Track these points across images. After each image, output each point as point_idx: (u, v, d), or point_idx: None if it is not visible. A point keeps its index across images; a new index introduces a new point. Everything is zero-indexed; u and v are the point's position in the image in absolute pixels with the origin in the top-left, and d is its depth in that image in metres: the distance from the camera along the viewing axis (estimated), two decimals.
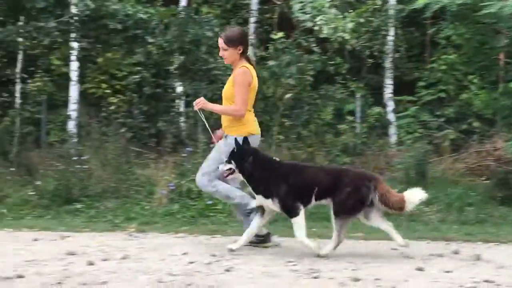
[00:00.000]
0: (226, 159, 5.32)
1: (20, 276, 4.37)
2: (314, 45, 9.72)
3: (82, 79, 12.19)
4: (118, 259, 5.04)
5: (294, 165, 5.60)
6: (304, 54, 9.51)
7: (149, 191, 8.15)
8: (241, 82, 5.47)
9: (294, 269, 4.77)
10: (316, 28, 8.57)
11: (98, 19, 9.19)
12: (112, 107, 11.43)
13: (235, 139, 5.37)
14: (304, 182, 5.23)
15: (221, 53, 5.64)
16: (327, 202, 5.22)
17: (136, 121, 10.47)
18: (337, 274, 4.60)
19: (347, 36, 8.19)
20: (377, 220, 5.24)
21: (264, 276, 4.57)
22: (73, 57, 11.00)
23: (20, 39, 9.34)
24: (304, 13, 8.51)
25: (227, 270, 4.71)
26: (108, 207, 7.72)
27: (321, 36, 8.67)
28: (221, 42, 5.57)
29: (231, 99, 5.50)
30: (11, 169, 8.71)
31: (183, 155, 8.84)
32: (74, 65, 11.78)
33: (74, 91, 12.00)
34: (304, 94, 9.60)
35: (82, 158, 8.55)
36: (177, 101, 11.09)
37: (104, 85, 12.18)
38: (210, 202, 7.66)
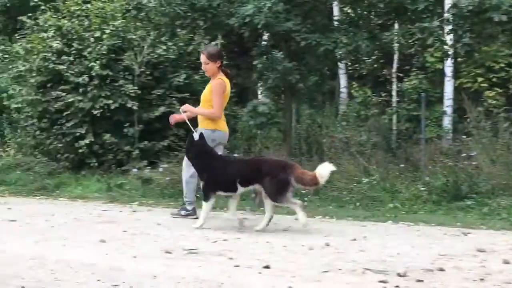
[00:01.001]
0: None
1: (441, 269, 4.60)
2: None
3: (457, 74, 12.23)
4: None
5: (224, 159, 6.80)
6: None
7: None
8: (218, 91, 7.00)
9: None
10: None
11: (481, 13, 9.06)
12: (491, 101, 11.21)
13: (191, 135, 6.84)
14: (227, 173, 6.50)
15: (203, 67, 7.13)
16: (259, 188, 6.43)
17: None
18: None
19: None
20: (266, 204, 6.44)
21: None
22: (450, 53, 11.05)
23: (403, 42, 9.76)
24: None
25: None
26: (500, 205, 7.57)
27: None
28: (203, 57, 7.06)
29: (208, 102, 7.03)
30: (401, 165, 9.16)
31: None
32: (449, 61, 11.87)
33: (449, 86, 12.12)
34: None
35: (471, 154, 8.56)
36: None
37: (480, 79, 12.00)
38: None
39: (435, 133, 11.54)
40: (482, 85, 11.89)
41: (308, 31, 9.91)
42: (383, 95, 12.89)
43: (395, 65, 13.29)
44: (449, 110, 11.90)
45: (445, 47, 10.33)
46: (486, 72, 11.92)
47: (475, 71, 12.02)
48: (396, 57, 13.18)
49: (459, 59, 11.96)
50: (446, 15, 9.74)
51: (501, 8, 8.88)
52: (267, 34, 11.01)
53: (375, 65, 13.12)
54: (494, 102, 11.24)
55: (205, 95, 7.16)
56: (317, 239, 5.89)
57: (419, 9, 9.49)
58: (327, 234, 6.26)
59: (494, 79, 11.83)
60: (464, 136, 9.60)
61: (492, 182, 8.00)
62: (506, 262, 4.81)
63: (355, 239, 5.91)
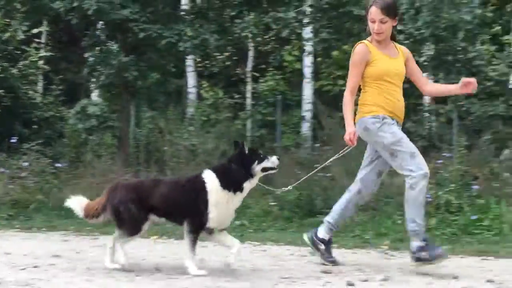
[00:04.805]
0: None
1: None
2: None
3: (316, 76, 12.77)
4: (378, 281, 5.23)
5: None
6: None
7: (400, 203, 8.23)
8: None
9: None
10: None
11: (340, 6, 9.55)
12: None
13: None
14: None
15: (377, 27, 5.55)
16: None
17: None
18: None
19: None
20: None
21: None
22: (309, 50, 11.51)
23: (256, 31, 10.02)
24: None
25: None
26: (355, 221, 7.98)
27: None
28: (378, 13, 5.54)
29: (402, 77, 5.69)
30: None
31: (439, 161, 8.80)
32: (308, 61, 12.38)
33: (308, 89, 12.63)
34: None
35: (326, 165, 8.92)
36: (426, 98, 11.06)
37: (340, 82, 12.61)
38: (474, 217, 7.59)
39: (293, 141, 11.94)
40: (343, 88, 12.46)
41: (148, 21, 9.91)
42: (236, 96, 13.14)
43: (250, 63, 13.63)
44: (308, 115, 12.37)
45: (303, 42, 10.80)
46: (347, 74, 12.49)
47: (335, 73, 12.62)
48: (251, 54, 13.52)
49: (319, 59, 12.50)
50: (304, 7, 10.17)
51: (361, 2, 9.45)
52: (101, 22, 10.87)
53: (228, 63, 13.35)
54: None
55: (403, 69, 5.76)
56: (146, 264, 5.85)
57: None
58: (161, 256, 6.25)
59: None
60: (318, 145, 10.01)
61: None
62: (350, 284, 5.06)
63: None
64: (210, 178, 5.32)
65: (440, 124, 10.78)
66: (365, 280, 5.23)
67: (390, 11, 5.54)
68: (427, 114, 10.84)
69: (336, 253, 6.63)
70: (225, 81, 14.18)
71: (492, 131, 9.55)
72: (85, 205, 5.64)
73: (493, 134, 9.47)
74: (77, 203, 5.67)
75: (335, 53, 12.52)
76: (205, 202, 5.25)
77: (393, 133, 5.45)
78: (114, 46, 10.26)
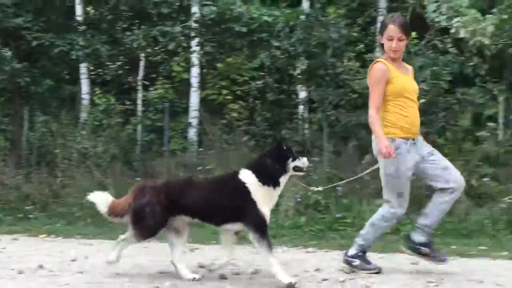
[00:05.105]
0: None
1: None
2: (450, 45, 9.56)
3: (202, 85, 12.77)
4: (249, 274, 5.31)
5: None
6: (439, 56, 9.39)
7: (278, 201, 8.38)
8: None
9: None
10: (452, 30, 8.49)
11: (222, 23, 9.65)
12: (234, 114, 11.89)
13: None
14: None
15: (395, 45, 5.21)
16: None
17: (258, 128, 10.78)
18: None
19: (486, 41, 8.06)
20: None
21: None
22: (195, 62, 11.54)
23: (145, 44, 9.96)
24: (440, 13, 8.44)
25: None
26: None
27: (458, 37, 8.58)
28: (397, 31, 5.23)
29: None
30: (137, 178, 9.23)
31: (309, 165, 9.00)
32: (195, 71, 12.38)
33: (194, 97, 12.58)
34: (439, 98, 9.46)
35: (206, 167, 8.94)
36: (300, 107, 11.33)
37: (224, 91, 12.70)
38: (339, 215, 7.83)
39: (180, 145, 11.89)
40: (227, 97, 12.60)
41: (41, 29, 9.63)
42: (127, 103, 12.94)
43: (141, 73, 13.46)
44: (194, 121, 12.34)
45: (190, 55, 10.83)
46: (231, 84, 12.67)
47: (220, 83, 12.70)
48: (142, 64, 13.37)
49: (204, 70, 12.54)
50: (190, 22, 10.19)
51: (241, 19, 9.57)
52: None
53: (120, 71, 13.15)
54: (237, 115, 11.94)
55: (416, 86, 5.45)
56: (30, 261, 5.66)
57: (163, 13, 9.82)
58: (46, 254, 6.08)
59: (238, 92, 12.62)
60: (201, 149, 10.04)
61: None
62: (222, 277, 5.12)
63: (75, 260, 5.81)
64: (248, 177, 4.99)
65: (312, 131, 11.02)
66: (237, 274, 5.30)
67: (407, 29, 5.27)
68: (301, 122, 11.06)
69: (215, 249, 6.69)
70: (117, 89, 13.89)
71: (356, 138, 9.85)
72: (110, 202, 5.08)
73: (357, 141, 9.77)
74: (102, 198, 5.11)
75: (219, 65, 12.59)
76: (254, 203, 4.94)
77: (397, 168, 5.12)
78: (7, 53, 9.87)
